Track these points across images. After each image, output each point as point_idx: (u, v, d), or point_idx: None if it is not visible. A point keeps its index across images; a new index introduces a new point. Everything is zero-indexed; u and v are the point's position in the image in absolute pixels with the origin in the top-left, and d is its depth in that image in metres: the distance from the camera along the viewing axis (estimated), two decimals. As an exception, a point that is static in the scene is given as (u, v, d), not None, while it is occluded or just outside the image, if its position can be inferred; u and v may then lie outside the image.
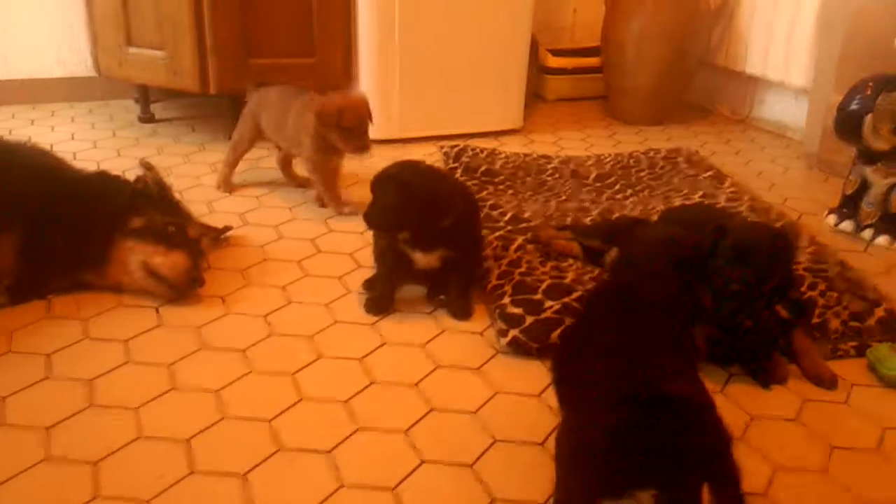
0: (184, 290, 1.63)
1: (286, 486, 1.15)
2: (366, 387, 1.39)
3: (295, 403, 1.34)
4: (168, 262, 1.62)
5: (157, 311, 1.61)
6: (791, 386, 1.45)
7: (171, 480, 1.15)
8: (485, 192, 2.23)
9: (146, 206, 1.69)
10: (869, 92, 1.96)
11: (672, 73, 3.11)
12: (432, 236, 1.59)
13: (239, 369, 1.43)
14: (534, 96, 3.45)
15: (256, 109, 2.22)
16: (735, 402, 1.40)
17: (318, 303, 1.67)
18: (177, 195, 1.84)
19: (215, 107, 2.92)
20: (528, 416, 1.34)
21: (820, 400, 1.41)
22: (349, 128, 1.99)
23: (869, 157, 2.06)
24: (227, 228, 1.95)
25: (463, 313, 1.64)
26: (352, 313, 1.63)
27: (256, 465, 1.19)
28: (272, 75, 2.54)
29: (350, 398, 1.36)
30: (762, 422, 1.35)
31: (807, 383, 1.45)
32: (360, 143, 2.02)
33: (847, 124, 2.01)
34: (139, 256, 1.62)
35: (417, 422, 1.31)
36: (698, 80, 3.39)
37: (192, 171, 2.45)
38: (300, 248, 1.93)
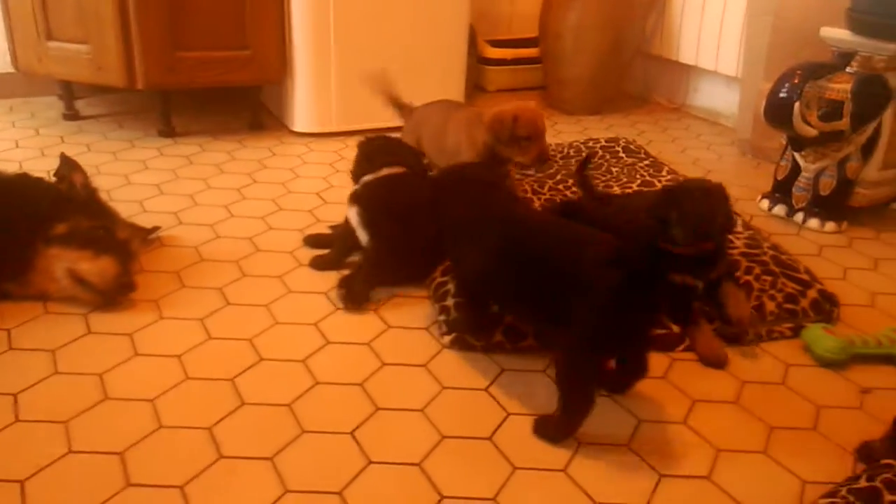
0: (114, 295, 1.56)
1: (228, 496, 1.11)
2: (309, 388, 1.36)
3: (235, 409, 1.29)
4: (96, 268, 1.54)
5: (86, 318, 1.54)
6: (731, 369, 1.48)
7: (104, 496, 1.09)
8: (426, 185, 2.20)
9: (71, 209, 1.61)
10: (797, 80, 2.02)
11: (609, 62, 3.15)
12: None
13: (175, 376, 1.37)
14: (474, 87, 3.44)
15: (416, 129, 2.13)
16: (677, 387, 1.42)
17: (258, 304, 1.62)
18: (104, 195, 1.76)
19: (144, 102, 2.82)
20: (475, 410, 1.33)
21: (758, 382, 1.45)
22: (525, 136, 1.85)
23: (798, 143, 2.12)
24: (157, 229, 1.88)
25: (349, 302, 1.62)
26: (293, 314, 1.59)
27: (196, 476, 1.14)
28: (203, 70, 2.46)
29: (293, 401, 1.32)
30: (703, 405, 1.37)
31: (748, 366, 1.49)
32: (539, 152, 1.87)
33: (776, 112, 2.06)
34: (64, 263, 1.54)
35: (364, 422, 1.28)
36: (635, 70, 3.44)
37: (121, 168, 2.35)
38: (238, 248, 1.87)
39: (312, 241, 1.88)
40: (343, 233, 1.77)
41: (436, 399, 1.35)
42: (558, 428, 1.26)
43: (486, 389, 1.38)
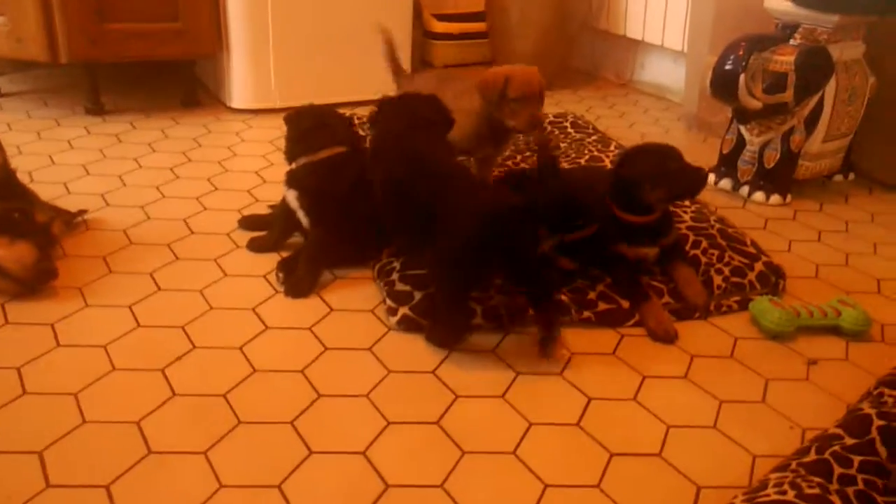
0: (33, 283, 1.45)
1: (157, 494, 1.04)
2: (247, 377, 1.29)
3: (166, 401, 1.22)
4: (12, 254, 1.43)
5: (3, 307, 1.43)
6: (680, 343, 1.46)
7: (22, 499, 1.01)
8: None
9: (-17, 190, 1.49)
10: (742, 52, 2.01)
11: (555, 37, 3.10)
12: None
13: (100, 368, 1.28)
14: (420, 63, 3.36)
15: None
16: (626, 363, 1.39)
17: (191, 289, 1.53)
18: (24, 176, 1.64)
19: (72, 78, 2.66)
20: (422, 394, 1.28)
21: (707, 356, 1.44)
22: (516, 98, 1.73)
23: (743, 116, 2.11)
24: (83, 212, 1.76)
25: (293, 291, 1.54)
26: (230, 298, 1.51)
27: (122, 474, 1.06)
28: (131, 43, 2.32)
29: (229, 390, 1.25)
30: (653, 381, 1.35)
31: (696, 340, 1.47)
32: (531, 115, 1.74)
33: (721, 84, 2.05)
34: (-23, 249, 1.43)
35: (304, 410, 1.22)
36: (583, 46, 3.41)
37: (45, 148, 2.21)
38: (170, 230, 1.77)
39: (248, 222, 1.79)
40: (282, 213, 1.69)
41: (381, 383, 1.29)
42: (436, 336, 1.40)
43: (433, 372, 1.33)
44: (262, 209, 1.87)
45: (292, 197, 1.62)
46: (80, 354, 1.32)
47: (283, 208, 1.67)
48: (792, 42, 2.06)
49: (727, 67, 2.01)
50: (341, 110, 1.92)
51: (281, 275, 1.56)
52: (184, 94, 2.65)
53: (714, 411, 1.28)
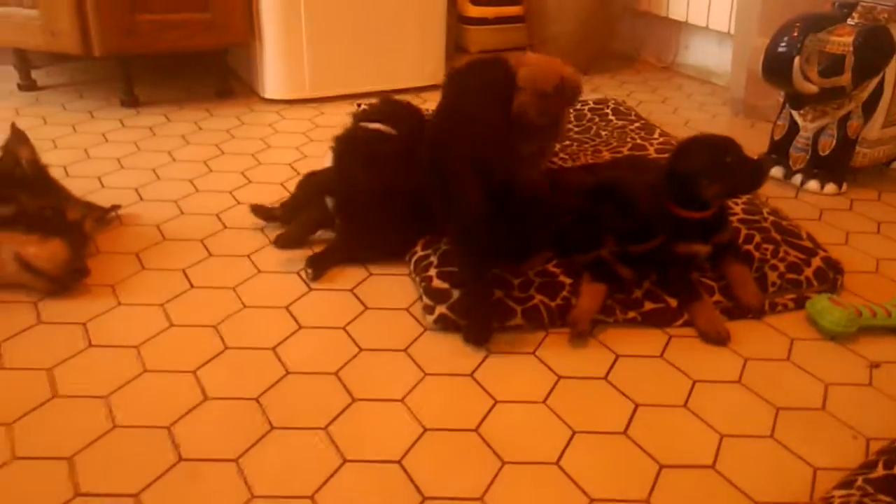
0: (66, 281, 1.43)
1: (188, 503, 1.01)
2: (279, 379, 1.25)
3: (198, 404, 1.19)
4: (44, 252, 1.41)
5: (36, 306, 1.42)
6: (732, 345, 1.38)
7: (51, 508, 0.99)
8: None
9: (15, 188, 1.47)
10: (796, 34, 1.89)
11: (595, 20, 3.00)
12: None
13: (132, 369, 1.26)
14: (456, 49, 3.29)
15: None
16: (676, 366, 1.32)
17: (225, 286, 1.50)
18: (59, 171, 1.63)
19: (107, 70, 2.65)
20: (460, 399, 1.22)
21: (762, 359, 1.35)
22: (524, 89, 1.62)
23: (797, 101, 2.00)
24: (116, 207, 1.74)
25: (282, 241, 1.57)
26: (263, 296, 1.48)
27: (153, 482, 1.03)
28: (163, 34, 2.30)
29: (261, 393, 1.21)
30: (705, 386, 1.28)
31: (750, 342, 1.39)
32: (541, 109, 1.62)
33: (775, 68, 1.94)
34: (10, 248, 1.41)
35: (339, 415, 1.17)
36: (623, 27, 3.30)
37: (80, 141, 2.20)
38: (204, 225, 1.74)
39: (264, 212, 1.74)
40: (305, 201, 1.65)
41: (417, 387, 1.25)
42: (472, 332, 1.35)
43: (471, 375, 1.28)
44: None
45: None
46: (112, 355, 1.29)
47: (305, 195, 1.64)
48: (850, 22, 1.94)
49: (781, 50, 1.90)
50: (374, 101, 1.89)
51: (310, 271, 1.52)
52: (217, 85, 2.62)
53: (771, 419, 1.20)
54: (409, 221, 1.57)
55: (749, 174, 1.43)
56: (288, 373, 1.27)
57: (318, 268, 1.52)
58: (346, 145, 1.62)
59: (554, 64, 1.71)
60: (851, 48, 1.87)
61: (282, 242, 1.59)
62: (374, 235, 1.58)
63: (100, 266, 1.53)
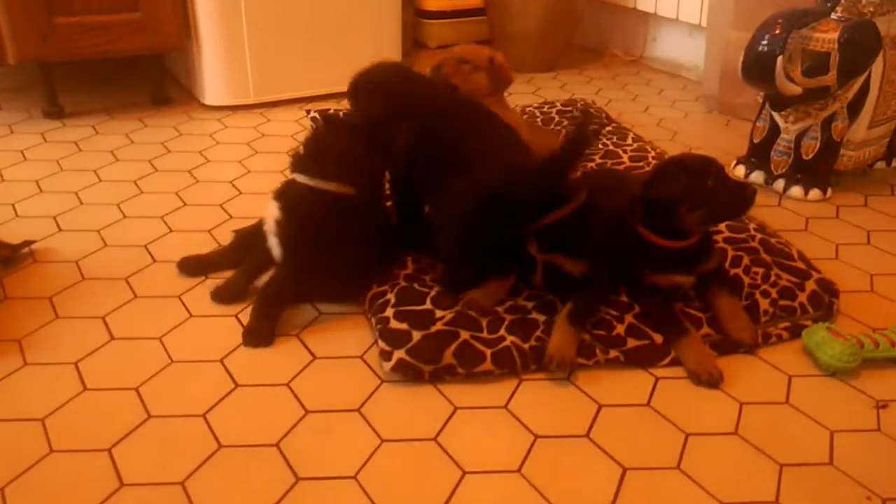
0: (-41, 340, 1.23)
1: None
2: (211, 454, 1.07)
3: (114, 492, 1.00)
4: (-69, 305, 1.21)
5: (-76, 371, 1.21)
6: (725, 386, 1.24)
7: None
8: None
9: None
10: (779, 30, 1.75)
11: (560, 13, 2.84)
12: None
13: (37, 448, 1.06)
14: (414, 44, 3.10)
15: None
16: (665, 416, 1.17)
17: (150, 336, 1.31)
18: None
19: (28, 76, 2.40)
20: (422, 470, 1.06)
21: (759, 402, 1.21)
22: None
23: (779, 102, 1.87)
24: (28, 243, 1.54)
25: (250, 340, 1.32)
26: (194, 348, 1.29)
27: None
28: (86, 38, 2.07)
29: (189, 475, 1.03)
30: (699, 441, 1.13)
31: (744, 382, 1.25)
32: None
33: (755, 68, 1.80)
34: None
35: (281, 499, 1.00)
36: (588, 20, 3.14)
37: (-5, 162, 1.97)
38: (129, 259, 1.54)
39: (189, 265, 1.49)
40: (251, 242, 1.45)
41: (373, 458, 1.08)
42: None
43: (434, 439, 1.11)
44: (239, 226, 1.62)
45: (272, 216, 1.38)
46: (12, 431, 1.10)
47: (253, 235, 1.44)
48: (833, 16, 1.80)
49: (762, 49, 1.76)
50: (325, 104, 1.70)
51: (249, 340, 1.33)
52: (153, 92, 2.40)
53: (775, 479, 1.06)
54: (362, 266, 1.39)
55: (732, 199, 1.29)
56: (221, 446, 1.08)
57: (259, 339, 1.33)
58: (288, 204, 1.37)
59: (485, 48, 1.81)
60: (836, 45, 1.74)
61: (220, 297, 1.40)
62: (326, 281, 1.39)
63: (5, 316, 1.33)
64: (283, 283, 1.35)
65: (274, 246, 1.36)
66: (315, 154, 1.38)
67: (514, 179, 1.26)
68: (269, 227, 1.38)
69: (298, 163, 1.39)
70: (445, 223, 1.34)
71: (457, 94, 1.61)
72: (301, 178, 1.37)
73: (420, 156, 1.41)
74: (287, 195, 1.37)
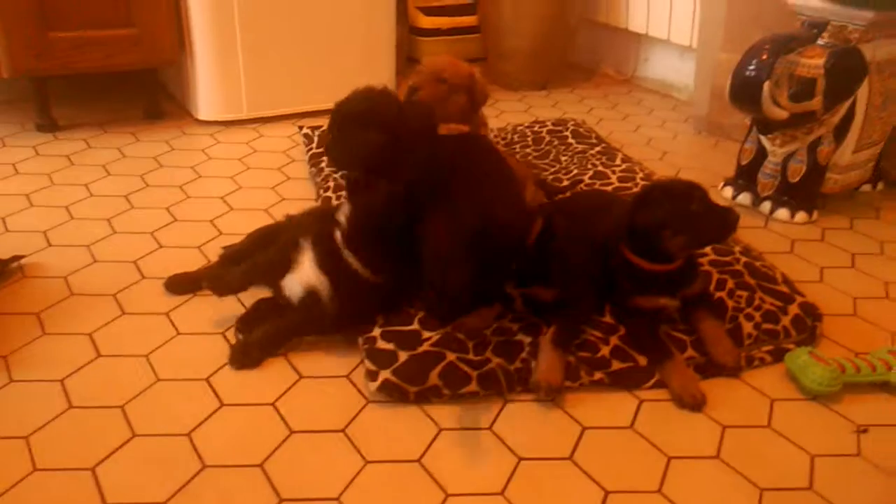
0: (-55, 356, 1.23)
1: None
2: (195, 475, 1.07)
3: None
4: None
5: None
6: (708, 409, 1.25)
7: None
8: (350, 185, 1.90)
9: None
10: (766, 56, 1.78)
11: (553, 32, 2.87)
12: None
13: (19, 466, 1.06)
14: (407, 60, 3.12)
15: None
16: (648, 439, 1.18)
17: (137, 353, 1.31)
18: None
19: (21, 88, 2.41)
20: (406, 493, 1.06)
21: (741, 426, 1.22)
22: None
23: (766, 126, 1.89)
24: (18, 258, 1.54)
25: (237, 362, 1.31)
26: (180, 365, 1.29)
27: None
28: (81, 53, 2.09)
29: (172, 495, 1.03)
30: (680, 464, 1.14)
31: (727, 405, 1.26)
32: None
33: (743, 93, 1.82)
34: None
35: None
36: (581, 39, 3.18)
37: (-14, 175, 1.98)
38: (118, 275, 1.54)
39: (176, 284, 1.49)
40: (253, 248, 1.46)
41: (357, 479, 1.08)
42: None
43: (419, 461, 1.12)
44: (229, 242, 1.62)
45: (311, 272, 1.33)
46: (-3, 449, 1.10)
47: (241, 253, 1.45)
48: (820, 42, 1.83)
49: (749, 74, 1.78)
50: (318, 121, 1.70)
51: (241, 336, 1.34)
52: (146, 106, 2.41)
53: (755, 503, 1.07)
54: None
55: (715, 224, 1.30)
56: (205, 466, 1.09)
57: (249, 331, 1.34)
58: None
59: (465, 65, 1.76)
60: (823, 71, 1.76)
61: (218, 287, 1.37)
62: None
63: (-6, 331, 1.33)
64: (305, 328, 1.34)
65: (296, 288, 1.34)
66: (362, 233, 1.35)
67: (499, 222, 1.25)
68: (309, 278, 1.34)
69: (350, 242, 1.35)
70: (436, 257, 1.29)
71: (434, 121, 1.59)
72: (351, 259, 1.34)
73: (417, 189, 1.37)
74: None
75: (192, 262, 1.58)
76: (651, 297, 1.33)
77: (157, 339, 1.35)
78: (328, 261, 1.33)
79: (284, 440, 1.14)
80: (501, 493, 1.07)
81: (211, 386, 1.25)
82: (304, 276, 1.34)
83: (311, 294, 1.32)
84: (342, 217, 1.35)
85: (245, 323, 1.36)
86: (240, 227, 1.72)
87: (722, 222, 1.30)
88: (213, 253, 1.60)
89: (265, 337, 1.32)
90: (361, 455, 1.12)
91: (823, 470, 1.14)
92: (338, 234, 1.35)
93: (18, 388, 1.22)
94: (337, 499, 1.04)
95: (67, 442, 1.11)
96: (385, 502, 1.04)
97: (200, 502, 1.03)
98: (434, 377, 1.24)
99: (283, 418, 1.18)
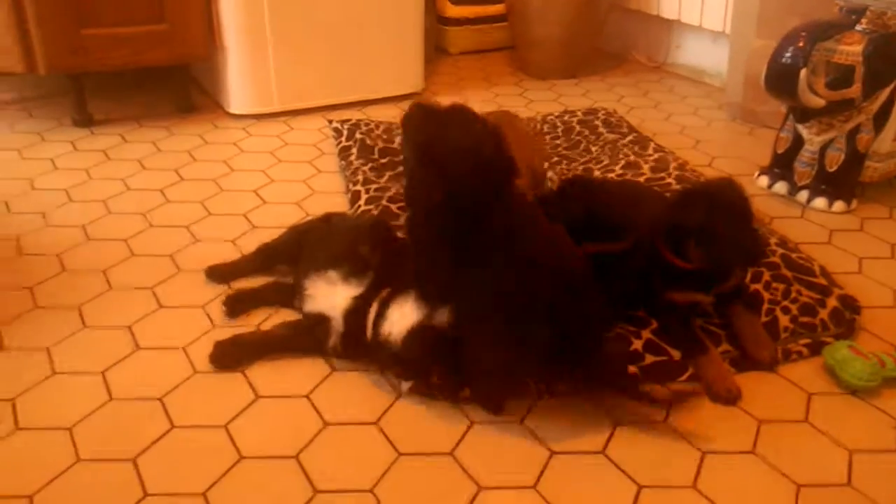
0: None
1: None
2: (233, 465, 1.09)
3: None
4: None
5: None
6: (744, 403, 1.23)
7: None
8: (384, 179, 1.90)
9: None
10: (802, 43, 1.74)
11: (583, 19, 2.84)
12: None
13: (65, 456, 1.09)
14: (435, 50, 3.12)
15: None
16: (681, 434, 1.17)
17: (174, 345, 1.34)
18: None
19: (58, 84, 2.46)
20: (438, 485, 1.07)
21: (777, 420, 1.21)
22: None
23: (802, 114, 1.85)
24: None
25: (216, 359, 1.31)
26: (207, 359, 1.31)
27: None
28: (114, 49, 2.12)
29: (210, 487, 1.05)
30: (715, 459, 1.13)
31: (763, 399, 1.25)
32: None
33: (778, 81, 1.78)
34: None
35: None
36: (612, 26, 3.13)
37: (26, 170, 2.02)
38: (156, 269, 1.57)
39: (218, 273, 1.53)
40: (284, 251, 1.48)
41: (390, 471, 1.09)
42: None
43: (451, 453, 1.13)
44: (262, 236, 1.64)
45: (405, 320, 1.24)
46: (41, 438, 1.13)
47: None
48: (858, 28, 1.78)
49: (785, 61, 1.74)
50: (347, 114, 1.69)
51: (225, 308, 1.39)
52: (179, 100, 2.44)
53: (792, 500, 1.06)
54: None
55: (738, 254, 1.26)
56: (241, 458, 1.11)
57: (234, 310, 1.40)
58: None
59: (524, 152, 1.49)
60: (861, 58, 1.72)
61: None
62: None
63: (35, 324, 1.36)
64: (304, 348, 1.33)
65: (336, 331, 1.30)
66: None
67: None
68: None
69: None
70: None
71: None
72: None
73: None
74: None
75: (226, 256, 1.60)
76: (685, 293, 1.31)
77: (193, 333, 1.37)
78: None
79: (319, 432, 1.16)
80: (534, 486, 1.07)
81: (247, 378, 1.27)
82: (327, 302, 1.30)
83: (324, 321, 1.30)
84: None
85: (234, 301, 1.41)
86: (273, 221, 1.75)
87: (744, 255, 1.27)
88: (247, 247, 1.62)
89: (255, 344, 1.31)
90: (395, 447, 1.13)
91: (862, 466, 1.12)
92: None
93: (60, 380, 1.25)
94: (370, 490, 1.06)
95: (109, 433, 1.14)
96: (418, 495, 1.05)
97: (237, 493, 1.04)
98: (465, 372, 1.24)
99: (317, 410, 1.20)
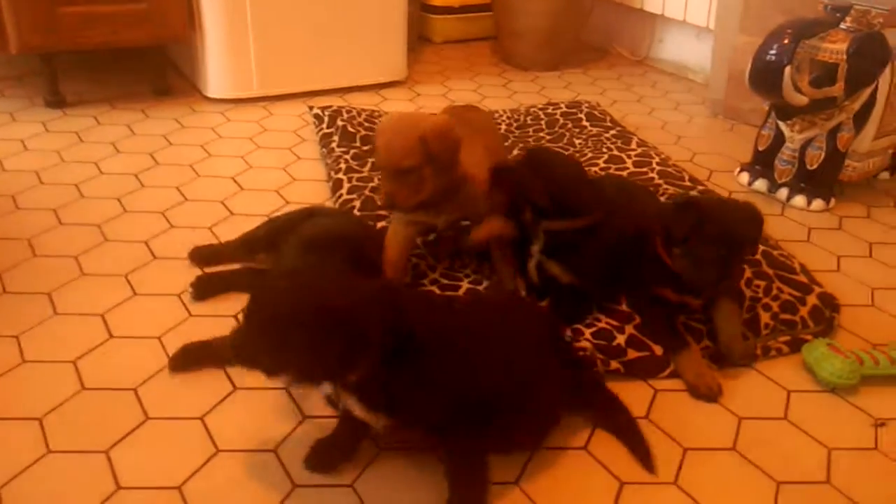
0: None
1: None
2: (209, 458, 1.07)
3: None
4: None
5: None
6: (724, 400, 1.24)
7: None
8: (367, 168, 1.87)
9: None
10: (787, 40, 1.74)
11: (568, 11, 2.82)
12: None
13: (35, 447, 1.06)
14: (419, 38, 3.09)
15: None
16: (663, 430, 1.17)
17: (149, 335, 1.30)
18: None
19: (30, 64, 2.39)
20: (420, 478, 1.06)
21: (757, 417, 1.21)
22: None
23: (785, 111, 1.86)
24: None
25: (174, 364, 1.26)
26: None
27: None
28: (89, 28, 2.06)
29: (186, 480, 1.03)
30: (696, 456, 1.13)
31: (743, 396, 1.25)
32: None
33: (763, 78, 1.78)
34: None
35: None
36: (595, 18, 3.12)
37: (-5, 150, 1.96)
38: (129, 255, 1.53)
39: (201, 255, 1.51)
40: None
41: (371, 466, 1.07)
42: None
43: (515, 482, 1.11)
44: (240, 223, 1.61)
45: None
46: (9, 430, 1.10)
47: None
48: (842, 27, 1.79)
49: (770, 58, 1.74)
50: (328, 100, 1.66)
51: (192, 290, 1.37)
52: (155, 82, 2.38)
53: (772, 497, 1.07)
54: None
55: (710, 278, 1.26)
56: (218, 451, 1.08)
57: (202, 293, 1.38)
58: None
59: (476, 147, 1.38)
60: (845, 56, 1.73)
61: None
62: None
63: (4, 311, 1.32)
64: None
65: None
66: None
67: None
68: None
69: None
70: None
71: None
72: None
73: None
74: None
75: (203, 243, 1.56)
76: (677, 294, 1.31)
77: (169, 321, 1.34)
78: None
79: (297, 426, 1.14)
80: (516, 482, 1.06)
81: (223, 369, 1.24)
82: None
83: None
84: None
85: (203, 284, 1.39)
86: (251, 209, 1.71)
87: (715, 279, 1.26)
88: (225, 234, 1.59)
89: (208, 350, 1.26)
90: (375, 443, 1.11)
91: (840, 463, 1.13)
92: None
93: (30, 369, 1.22)
94: (350, 486, 1.04)
95: (81, 424, 1.11)
96: (399, 490, 1.04)
97: (214, 487, 1.02)
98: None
99: (296, 403, 1.18)
